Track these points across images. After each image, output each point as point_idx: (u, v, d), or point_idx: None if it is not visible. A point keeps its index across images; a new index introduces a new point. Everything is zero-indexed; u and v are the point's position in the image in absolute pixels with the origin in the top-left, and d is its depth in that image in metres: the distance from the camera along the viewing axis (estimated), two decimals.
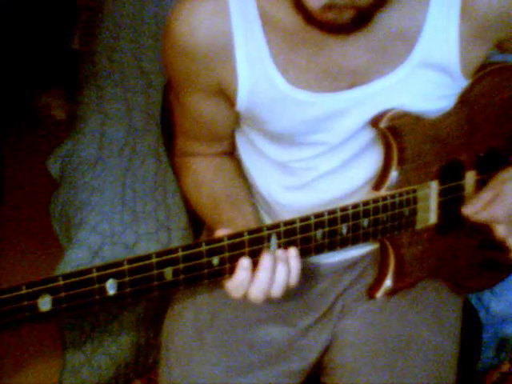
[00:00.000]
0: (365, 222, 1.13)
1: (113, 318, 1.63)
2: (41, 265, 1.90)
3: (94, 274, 0.93)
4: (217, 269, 1.02)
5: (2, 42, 2.30)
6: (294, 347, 1.26)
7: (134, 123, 1.85)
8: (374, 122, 1.12)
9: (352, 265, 1.30)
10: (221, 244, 1.01)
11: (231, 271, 1.03)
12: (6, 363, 1.76)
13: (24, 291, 0.89)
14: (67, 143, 1.94)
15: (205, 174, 1.24)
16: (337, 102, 1.10)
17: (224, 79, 1.10)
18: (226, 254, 1.02)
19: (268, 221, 1.29)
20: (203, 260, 1.00)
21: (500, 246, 1.19)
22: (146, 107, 1.86)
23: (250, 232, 1.03)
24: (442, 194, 1.20)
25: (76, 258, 1.59)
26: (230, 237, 1.01)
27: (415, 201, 1.18)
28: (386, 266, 1.23)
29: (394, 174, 1.15)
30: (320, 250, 1.10)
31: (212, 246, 1.00)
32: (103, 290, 0.94)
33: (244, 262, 1.02)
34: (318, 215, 1.08)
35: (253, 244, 1.03)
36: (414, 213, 1.18)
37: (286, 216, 1.09)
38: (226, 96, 1.13)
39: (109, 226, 1.65)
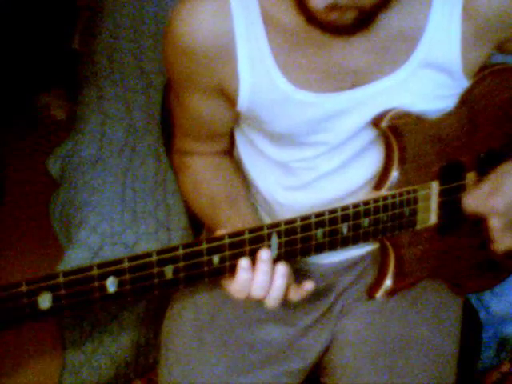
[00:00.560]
0: (365, 221, 1.12)
1: (113, 317, 1.63)
2: (41, 265, 1.90)
3: (95, 272, 0.93)
4: (217, 267, 1.02)
5: (2, 42, 2.30)
6: (293, 347, 1.26)
7: (133, 123, 1.85)
8: (375, 122, 1.12)
9: (352, 265, 1.30)
10: (221, 242, 1.01)
11: (231, 270, 1.03)
12: (5, 363, 1.76)
13: (24, 288, 0.89)
14: (67, 143, 1.95)
15: (203, 174, 1.24)
16: (338, 102, 1.10)
17: (225, 79, 1.10)
18: (227, 253, 1.01)
19: (268, 221, 1.29)
20: (204, 258, 1.00)
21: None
22: (146, 107, 1.87)
23: (251, 231, 1.03)
24: (442, 194, 1.20)
25: (76, 257, 1.59)
26: (231, 235, 1.01)
27: (415, 201, 1.17)
28: (386, 266, 1.23)
29: (394, 174, 1.15)
30: (320, 249, 1.10)
31: (213, 244, 1.00)
32: (103, 288, 0.94)
33: (243, 263, 1.02)
34: (319, 214, 1.08)
35: (253, 243, 1.03)
36: (414, 213, 1.18)
37: (286, 216, 1.09)
38: (227, 96, 1.12)
39: (109, 225, 1.65)
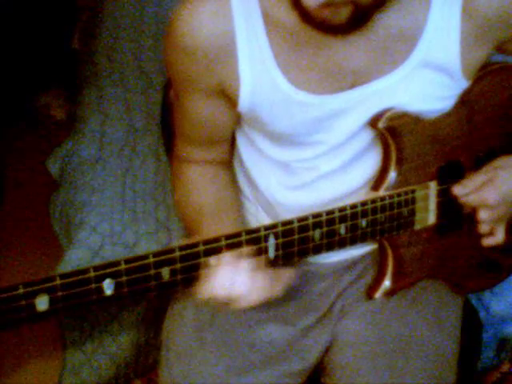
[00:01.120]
0: (363, 222, 1.12)
1: (113, 317, 1.63)
2: (41, 265, 1.90)
3: (92, 274, 0.93)
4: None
5: (2, 42, 2.30)
6: (294, 347, 1.25)
7: (133, 123, 1.85)
8: (373, 122, 1.12)
9: (352, 265, 1.30)
10: (218, 244, 1.01)
11: None
12: (5, 363, 1.76)
13: (21, 291, 0.89)
14: (67, 143, 1.95)
15: (195, 183, 1.24)
16: (338, 102, 1.10)
17: (225, 80, 1.10)
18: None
19: (268, 221, 1.28)
20: (201, 260, 1.00)
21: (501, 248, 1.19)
22: (146, 107, 1.86)
23: (248, 232, 1.03)
24: (440, 194, 1.20)
25: (76, 257, 1.59)
26: (228, 237, 1.01)
27: (414, 201, 1.17)
28: (385, 266, 1.23)
29: (392, 175, 1.15)
30: (318, 250, 1.10)
31: (209, 246, 1.00)
32: (100, 290, 0.94)
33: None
34: (316, 215, 1.08)
35: (250, 244, 1.03)
36: (412, 213, 1.18)
37: (287, 215, 1.09)
38: (227, 96, 1.12)
39: (109, 226, 1.65)
